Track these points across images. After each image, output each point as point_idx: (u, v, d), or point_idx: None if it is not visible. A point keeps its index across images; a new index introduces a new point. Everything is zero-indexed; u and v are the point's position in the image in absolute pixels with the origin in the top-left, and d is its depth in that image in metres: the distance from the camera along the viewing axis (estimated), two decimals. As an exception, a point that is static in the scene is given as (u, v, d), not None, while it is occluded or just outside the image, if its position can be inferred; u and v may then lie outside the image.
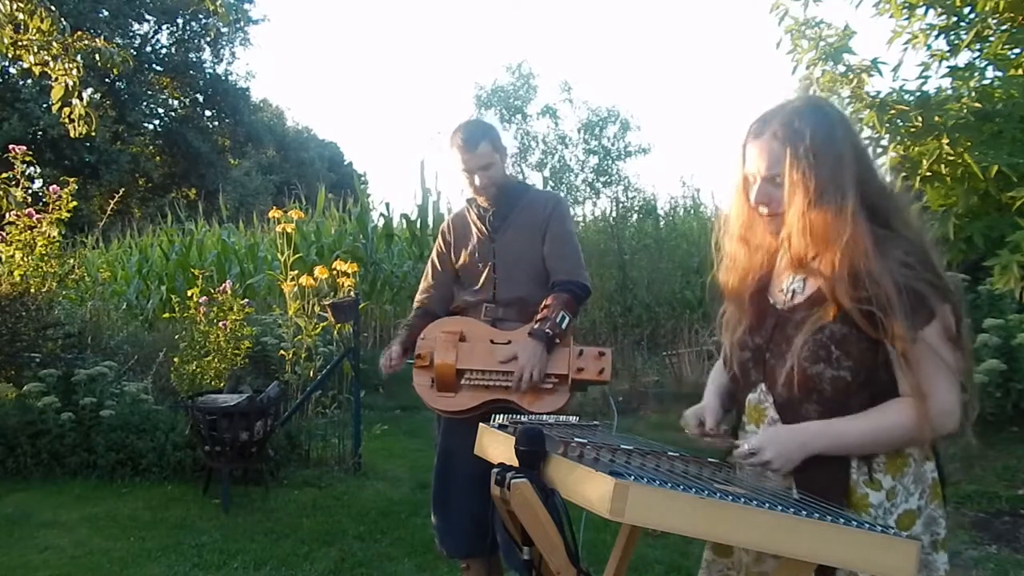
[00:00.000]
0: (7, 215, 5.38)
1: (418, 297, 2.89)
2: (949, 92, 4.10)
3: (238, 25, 26.39)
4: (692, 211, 10.27)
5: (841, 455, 1.41)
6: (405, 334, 2.76)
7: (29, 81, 20.57)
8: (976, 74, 4.04)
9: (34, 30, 5.22)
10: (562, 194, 9.44)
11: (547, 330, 2.50)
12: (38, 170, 17.81)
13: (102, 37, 6.84)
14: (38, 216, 5.40)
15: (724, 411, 1.63)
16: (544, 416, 1.82)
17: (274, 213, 5.57)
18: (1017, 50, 4.07)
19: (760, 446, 1.41)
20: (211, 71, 27.56)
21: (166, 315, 6.67)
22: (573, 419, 1.76)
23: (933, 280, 1.37)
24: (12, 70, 20.12)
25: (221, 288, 5.43)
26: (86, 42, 5.45)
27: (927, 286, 1.36)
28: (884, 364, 1.40)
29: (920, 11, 4.26)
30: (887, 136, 4.06)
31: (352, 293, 5.27)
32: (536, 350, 2.49)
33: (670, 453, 1.48)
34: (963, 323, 1.41)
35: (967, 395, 1.41)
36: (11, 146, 5.60)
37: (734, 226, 1.57)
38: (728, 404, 1.64)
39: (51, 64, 5.34)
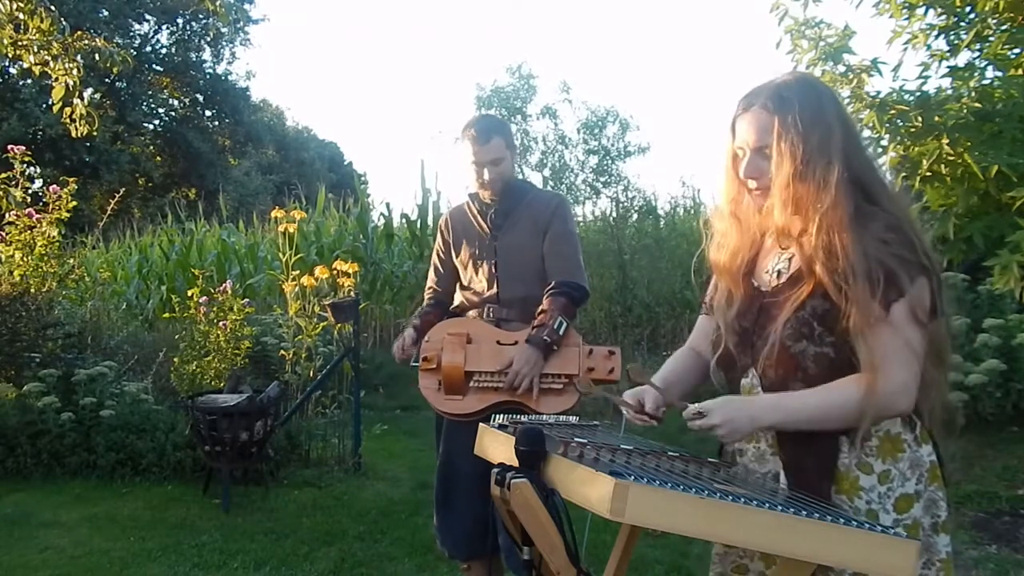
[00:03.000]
0: (7, 215, 5.38)
1: (427, 291, 2.91)
2: (949, 92, 4.10)
3: (238, 25, 26.35)
4: (692, 211, 10.26)
5: (794, 429, 1.40)
6: (419, 321, 2.76)
7: (29, 81, 20.55)
8: (976, 74, 4.05)
9: (34, 30, 5.22)
10: (563, 194, 9.44)
11: (545, 337, 2.48)
12: (38, 170, 17.84)
13: (102, 37, 6.84)
14: (38, 216, 5.40)
15: (664, 396, 1.59)
16: (544, 416, 1.82)
17: (277, 213, 5.57)
18: (1017, 50, 4.08)
19: (708, 409, 1.40)
20: (211, 71, 27.55)
21: (166, 315, 6.67)
22: (573, 419, 1.76)
23: (907, 256, 1.36)
24: (12, 70, 20.08)
25: (221, 288, 5.42)
26: (86, 42, 5.45)
27: (900, 262, 1.35)
28: None
29: (920, 11, 4.27)
30: (887, 136, 4.07)
31: (352, 293, 5.27)
32: (532, 357, 2.48)
33: (670, 453, 1.48)
34: (942, 298, 1.40)
35: (939, 374, 1.40)
36: (10, 146, 5.60)
37: (724, 203, 1.57)
38: (676, 392, 1.62)
39: (51, 64, 5.34)
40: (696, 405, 1.42)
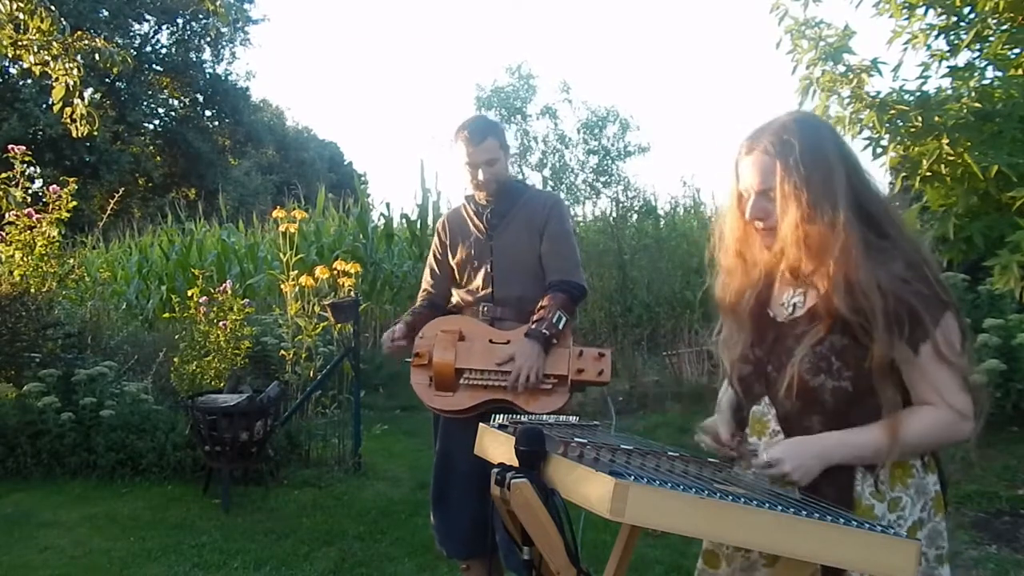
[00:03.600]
0: (7, 215, 5.38)
1: (422, 292, 2.91)
2: (949, 92, 4.09)
3: (238, 25, 26.36)
4: (692, 211, 10.26)
5: (857, 464, 1.42)
6: (411, 317, 2.77)
7: (29, 81, 20.55)
8: (976, 74, 4.04)
9: (34, 30, 5.22)
10: (561, 194, 9.44)
11: (544, 331, 2.49)
12: (38, 170, 17.82)
13: (102, 37, 6.84)
14: (38, 216, 5.40)
15: (736, 424, 1.63)
16: (544, 416, 1.82)
17: (277, 213, 5.57)
18: (1017, 50, 4.07)
19: (779, 458, 1.41)
20: (211, 71, 27.56)
21: (166, 315, 6.67)
22: (573, 419, 1.76)
23: (929, 293, 1.37)
24: (12, 70, 20.11)
25: (221, 288, 5.42)
26: (86, 42, 5.45)
27: (922, 301, 1.36)
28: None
29: (920, 11, 4.26)
30: (887, 136, 4.06)
31: (352, 293, 5.27)
32: (533, 351, 2.48)
33: (670, 453, 1.48)
34: (967, 329, 1.42)
35: (978, 404, 1.43)
36: (11, 146, 5.60)
37: (730, 242, 1.58)
38: (737, 419, 1.64)
39: (51, 64, 5.34)
40: (765, 455, 1.44)
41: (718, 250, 1.62)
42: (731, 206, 1.56)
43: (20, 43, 5.27)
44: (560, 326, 2.51)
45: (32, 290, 5.25)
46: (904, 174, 4.07)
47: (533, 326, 2.52)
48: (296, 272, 5.35)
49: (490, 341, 2.58)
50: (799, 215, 1.41)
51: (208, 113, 28.60)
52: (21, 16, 5.19)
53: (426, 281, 2.90)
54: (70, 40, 5.36)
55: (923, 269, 1.40)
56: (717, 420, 1.65)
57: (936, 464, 1.48)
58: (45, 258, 5.40)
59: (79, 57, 5.43)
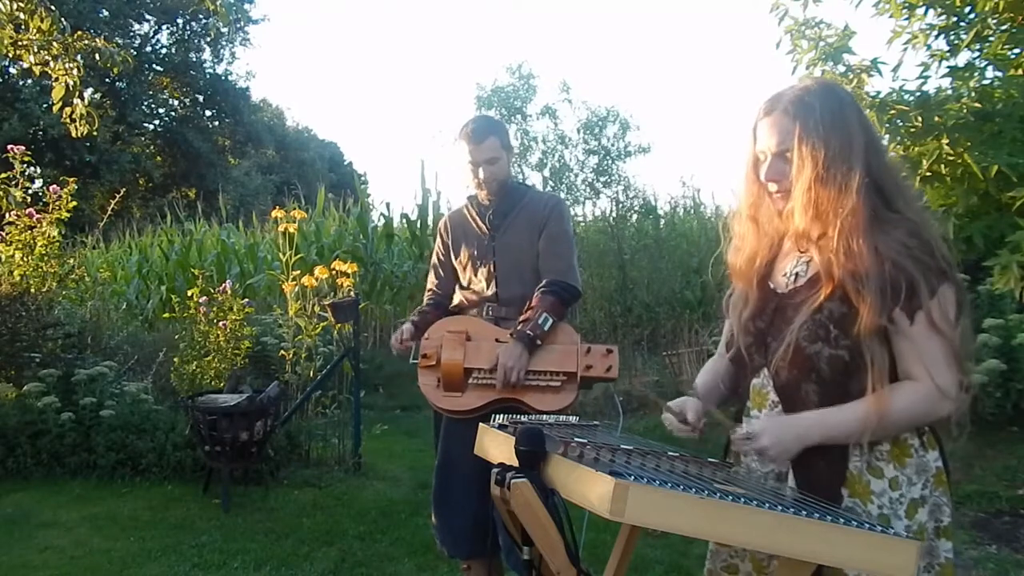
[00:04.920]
0: (7, 215, 5.38)
1: (427, 292, 2.93)
2: (949, 92, 4.10)
3: (238, 25, 26.37)
4: (692, 211, 10.26)
5: (839, 444, 1.41)
6: (417, 317, 2.78)
7: (29, 81, 20.56)
8: (976, 74, 4.05)
9: (34, 30, 5.22)
10: (562, 194, 9.43)
11: (528, 332, 2.51)
12: (38, 170, 17.85)
13: (102, 37, 6.84)
14: (38, 216, 5.40)
15: (706, 407, 1.62)
16: (544, 416, 1.82)
17: (276, 213, 5.57)
18: (1017, 50, 4.08)
19: (758, 431, 1.41)
20: (211, 71, 27.55)
21: (166, 315, 6.67)
22: (573, 419, 1.76)
23: (929, 263, 1.37)
24: (12, 70, 20.11)
25: (221, 288, 5.42)
26: (86, 42, 5.46)
27: (923, 270, 1.36)
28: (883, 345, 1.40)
29: (920, 11, 4.27)
30: (887, 136, 4.06)
31: (352, 293, 5.27)
32: (516, 352, 2.50)
33: (670, 453, 1.48)
34: (965, 302, 1.41)
35: (966, 380, 1.41)
36: (11, 146, 5.60)
37: (744, 206, 1.58)
38: (713, 401, 1.64)
39: (51, 64, 5.34)
40: (744, 428, 1.44)
41: (732, 216, 1.62)
42: (747, 170, 1.55)
43: (20, 43, 5.27)
44: (546, 328, 2.52)
45: (32, 290, 5.25)
46: (904, 174, 4.08)
47: (519, 327, 2.54)
48: (296, 272, 5.35)
49: (496, 340, 2.59)
50: (813, 176, 1.41)
51: (208, 113, 28.59)
52: (21, 16, 5.19)
53: (431, 282, 2.92)
54: (70, 40, 5.36)
55: (926, 238, 1.39)
56: (686, 400, 1.63)
57: (936, 440, 1.47)
58: (45, 258, 5.40)
59: (79, 57, 5.43)
